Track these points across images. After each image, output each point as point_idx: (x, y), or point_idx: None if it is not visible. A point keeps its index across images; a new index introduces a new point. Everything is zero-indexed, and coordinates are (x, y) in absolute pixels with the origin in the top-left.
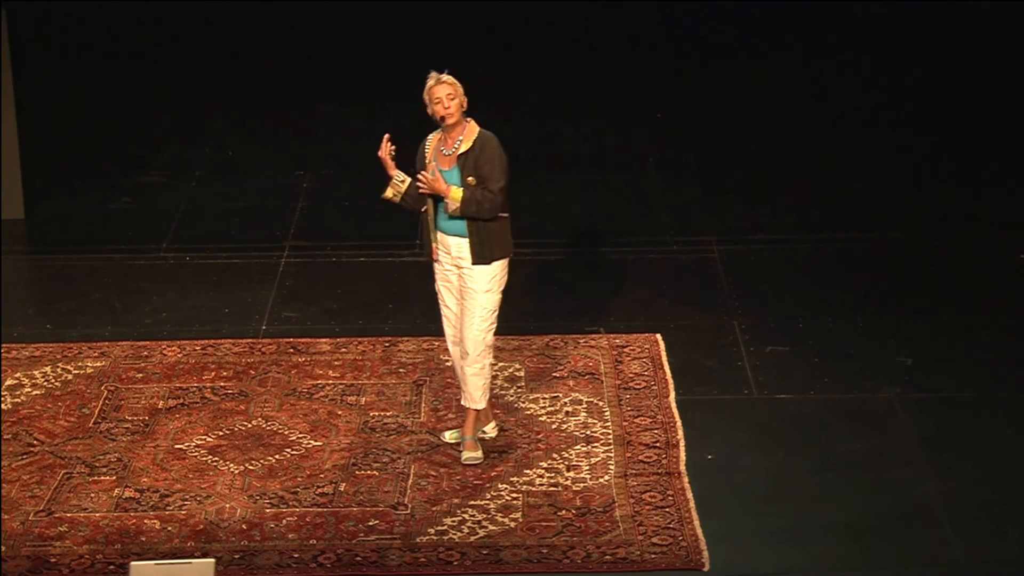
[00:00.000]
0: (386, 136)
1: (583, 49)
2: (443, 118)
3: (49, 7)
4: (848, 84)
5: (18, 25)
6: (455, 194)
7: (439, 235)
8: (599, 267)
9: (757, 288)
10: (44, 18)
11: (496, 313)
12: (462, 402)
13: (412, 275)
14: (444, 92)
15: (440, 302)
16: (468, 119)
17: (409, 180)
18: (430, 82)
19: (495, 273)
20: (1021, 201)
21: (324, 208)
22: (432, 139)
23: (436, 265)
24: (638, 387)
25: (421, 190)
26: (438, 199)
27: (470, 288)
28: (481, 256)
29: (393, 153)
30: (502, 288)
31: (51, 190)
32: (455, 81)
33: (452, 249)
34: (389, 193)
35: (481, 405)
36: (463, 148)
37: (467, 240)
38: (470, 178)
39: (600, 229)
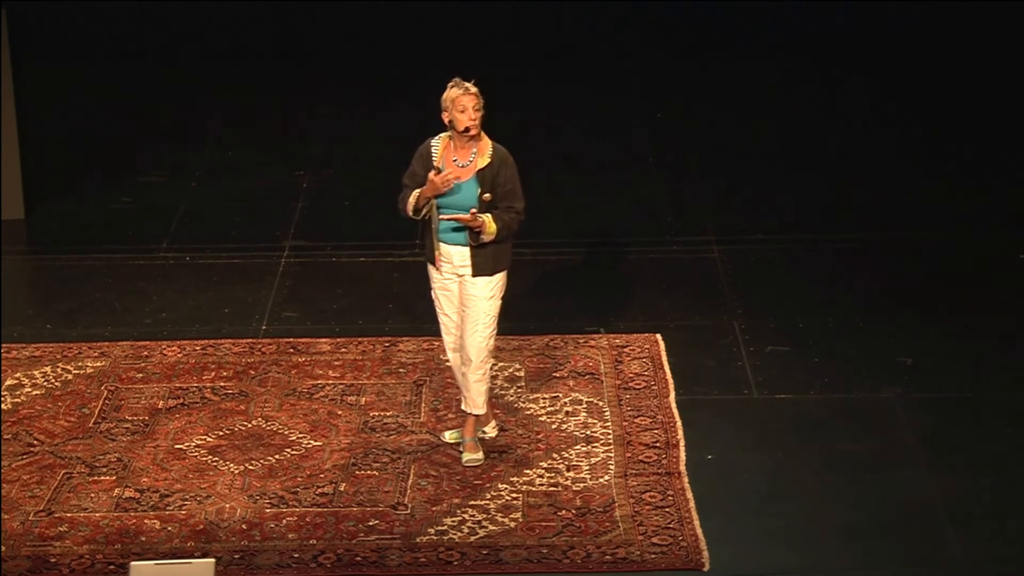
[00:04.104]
0: (452, 181)
1: (583, 49)
2: (467, 129)
3: (49, 7)
4: (848, 84)
5: (18, 25)
6: (490, 228)
7: (441, 245)
8: (599, 267)
9: (757, 288)
10: (44, 18)
11: (497, 319)
12: (463, 407)
13: (412, 275)
14: (472, 103)
15: (438, 310)
16: (480, 129)
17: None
18: (456, 91)
19: (497, 280)
20: (1021, 201)
21: (324, 208)
22: (439, 145)
23: (434, 272)
24: (638, 387)
25: (444, 217)
26: (440, 207)
27: (472, 295)
28: (482, 269)
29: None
30: (503, 294)
31: (51, 190)
32: (479, 93)
33: (454, 259)
34: (425, 211)
35: (483, 410)
36: (481, 163)
37: (468, 250)
38: (486, 195)
39: (600, 229)
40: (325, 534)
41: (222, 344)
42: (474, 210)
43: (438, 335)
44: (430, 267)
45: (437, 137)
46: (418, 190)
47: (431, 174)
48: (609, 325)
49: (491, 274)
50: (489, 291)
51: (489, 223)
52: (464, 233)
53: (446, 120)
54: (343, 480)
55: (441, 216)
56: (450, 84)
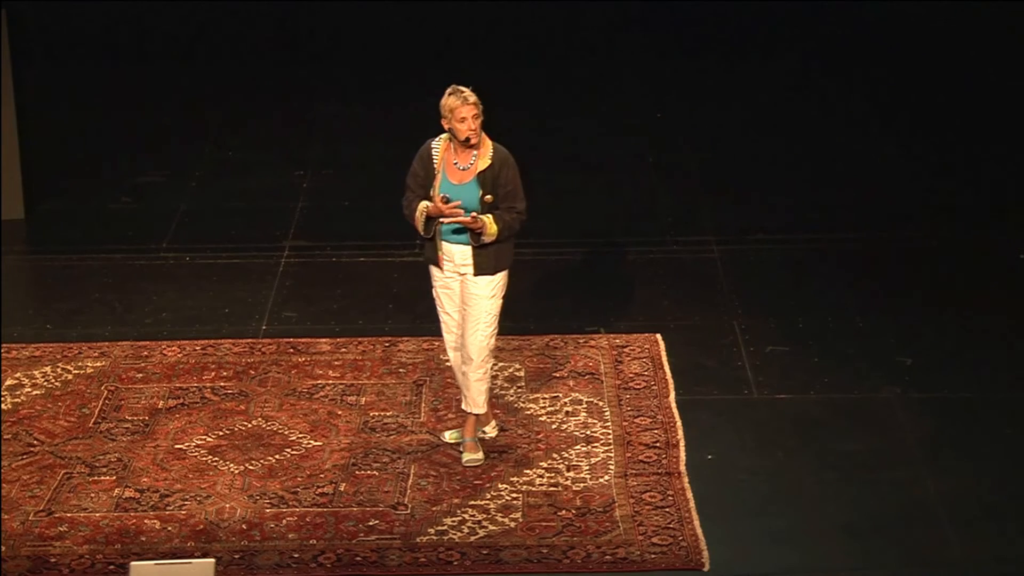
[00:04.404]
0: (461, 211)
1: (583, 49)
2: (468, 139)
3: (49, 7)
4: (848, 84)
5: (18, 25)
6: (491, 229)
7: (442, 244)
8: (599, 267)
9: (757, 288)
10: (44, 18)
11: (498, 318)
12: (463, 407)
13: (412, 275)
14: (471, 112)
15: (439, 308)
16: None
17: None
18: (454, 99)
19: (499, 280)
20: (1021, 201)
21: (324, 208)
22: (440, 148)
23: (435, 271)
24: (638, 387)
25: (447, 221)
26: None
27: (474, 294)
28: (484, 268)
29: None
30: (504, 293)
31: (51, 190)
32: (478, 100)
33: (456, 257)
34: (431, 231)
35: (483, 410)
36: (482, 165)
37: (471, 249)
38: (488, 196)
39: (600, 229)
40: (325, 534)
41: (222, 344)
42: (475, 214)
43: (438, 335)
44: (432, 266)
45: (438, 139)
46: (424, 204)
47: (438, 200)
48: (609, 325)
49: (493, 273)
50: (491, 290)
51: (490, 224)
52: (466, 233)
53: (445, 127)
54: (343, 480)
55: (442, 220)
56: (448, 91)
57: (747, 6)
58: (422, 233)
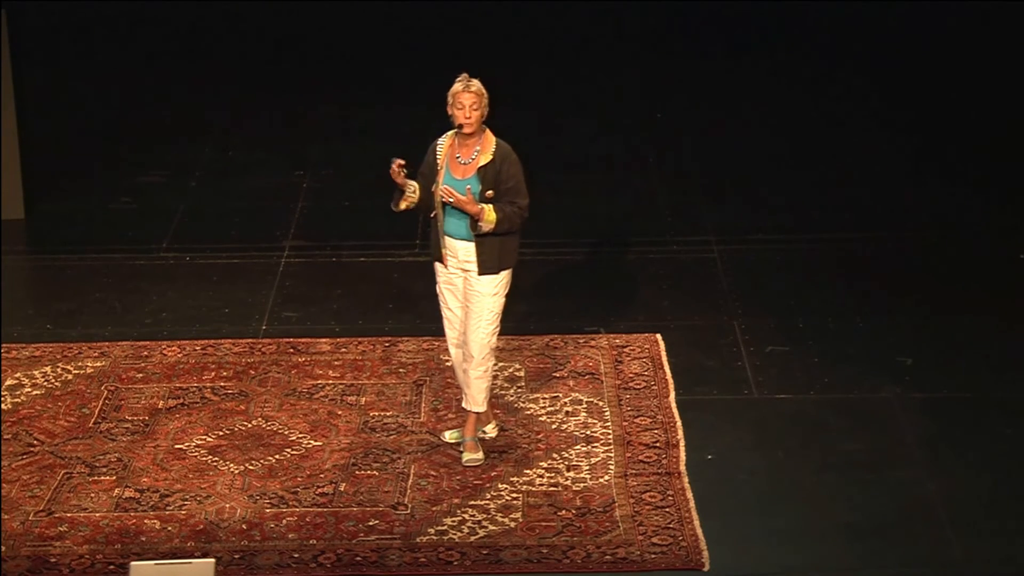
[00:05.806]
0: (398, 161)
1: (583, 49)
2: (461, 125)
3: (49, 7)
4: (848, 84)
5: (18, 25)
6: (489, 216)
7: (445, 239)
8: (599, 267)
9: (757, 288)
10: (44, 18)
11: (500, 316)
12: (463, 404)
13: (412, 275)
14: (469, 100)
15: (442, 304)
16: (484, 127)
17: (417, 186)
18: (458, 85)
19: (502, 278)
20: (1021, 201)
21: (324, 208)
22: (445, 143)
23: (440, 267)
24: (638, 387)
25: (445, 200)
26: (446, 205)
27: (476, 291)
28: (488, 267)
29: (404, 172)
30: (506, 292)
31: (51, 190)
32: (483, 91)
33: (460, 254)
34: (403, 206)
35: (483, 408)
36: (483, 160)
37: (474, 247)
38: (489, 192)
39: (601, 229)
40: (325, 534)
41: (222, 344)
42: (469, 188)
43: (439, 335)
44: (436, 263)
45: (444, 135)
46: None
47: (440, 190)
48: (609, 325)
49: (496, 272)
50: (493, 287)
51: (488, 212)
52: (466, 219)
53: (449, 113)
54: (343, 480)
55: (443, 187)
56: (457, 79)
57: (747, 6)
58: (397, 204)
